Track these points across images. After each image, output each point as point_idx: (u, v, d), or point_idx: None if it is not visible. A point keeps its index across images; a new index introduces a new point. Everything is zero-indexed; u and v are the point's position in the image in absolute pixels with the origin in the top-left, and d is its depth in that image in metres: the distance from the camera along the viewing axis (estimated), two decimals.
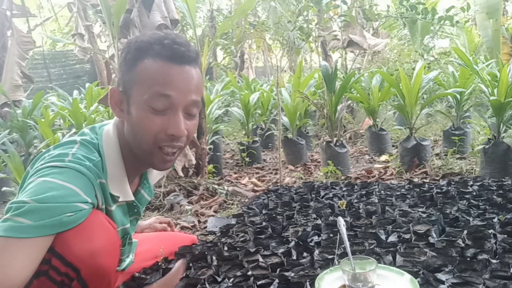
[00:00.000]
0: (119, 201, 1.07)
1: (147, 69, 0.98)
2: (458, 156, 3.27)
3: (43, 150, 1.04)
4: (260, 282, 1.23)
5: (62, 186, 0.88)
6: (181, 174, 2.72)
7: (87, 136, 1.05)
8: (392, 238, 1.52)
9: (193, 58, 1.02)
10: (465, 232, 1.47)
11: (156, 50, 0.98)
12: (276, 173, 3.29)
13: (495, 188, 2.16)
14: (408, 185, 2.40)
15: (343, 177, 2.95)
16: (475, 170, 2.81)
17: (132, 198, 1.10)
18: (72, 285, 0.91)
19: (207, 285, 1.23)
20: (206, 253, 1.47)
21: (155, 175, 1.28)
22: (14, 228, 0.83)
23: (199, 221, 2.20)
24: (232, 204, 2.49)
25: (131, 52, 1.00)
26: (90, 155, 0.99)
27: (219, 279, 1.27)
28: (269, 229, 1.72)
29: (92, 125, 1.13)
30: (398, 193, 2.21)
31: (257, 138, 4.03)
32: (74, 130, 3.42)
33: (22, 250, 0.83)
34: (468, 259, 1.28)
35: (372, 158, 3.70)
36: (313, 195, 2.32)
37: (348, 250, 1.12)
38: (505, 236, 1.41)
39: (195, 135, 2.67)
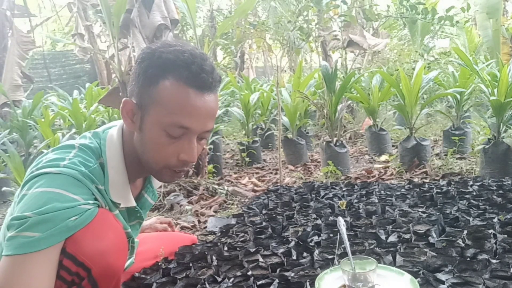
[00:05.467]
0: (120, 207, 1.07)
1: (170, 93, 0.94)
2: (458, 156, 3.27)
3: (44, 151, 1.04)
4: (260, 282, 1.23)
5: (60, 194, 0.88)
6: None
7: (87, 140, 1.04)
8: (392, 238, 1.52)
9: (216, 85, 1.00)
10: (465, 232, 1.47)
11: (182, 75, 0.94)
12: (276, 173, 3.29)
13: (495, 188, 2.16)
14: (408, 185, 2.40)
15: (343, 177, 2.95)
16: (475, 170, 2.80)
17: (134, 204, 1.09)
18: (82, 285, 0.91)
19: (207, 285, 1.23)
20: (206, 253, 1.47)
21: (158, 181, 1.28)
22: (25, 244, 0.83)
23: (199, 221, 2.20)
24: (232, 204, 2.49)
25: (152, 68, 0.96)
26: (87, 161, 0.97)
27: (219, 279, 1.27)
28: (269, 229, 1.72)
29: (94, 128, 1.13)
30: (398, 193, 2.21)
31: (257, 138, 4.02)
32: (74, 130, 3.42)
33: (39, 263, 0.84)
34: (468, 259, 1.28)
35: (372, 158, 3.69)
36: (313, 195, 2.32)
37: (348, 250, 1.12)
38: (505, 236, 1.42)
39: None
